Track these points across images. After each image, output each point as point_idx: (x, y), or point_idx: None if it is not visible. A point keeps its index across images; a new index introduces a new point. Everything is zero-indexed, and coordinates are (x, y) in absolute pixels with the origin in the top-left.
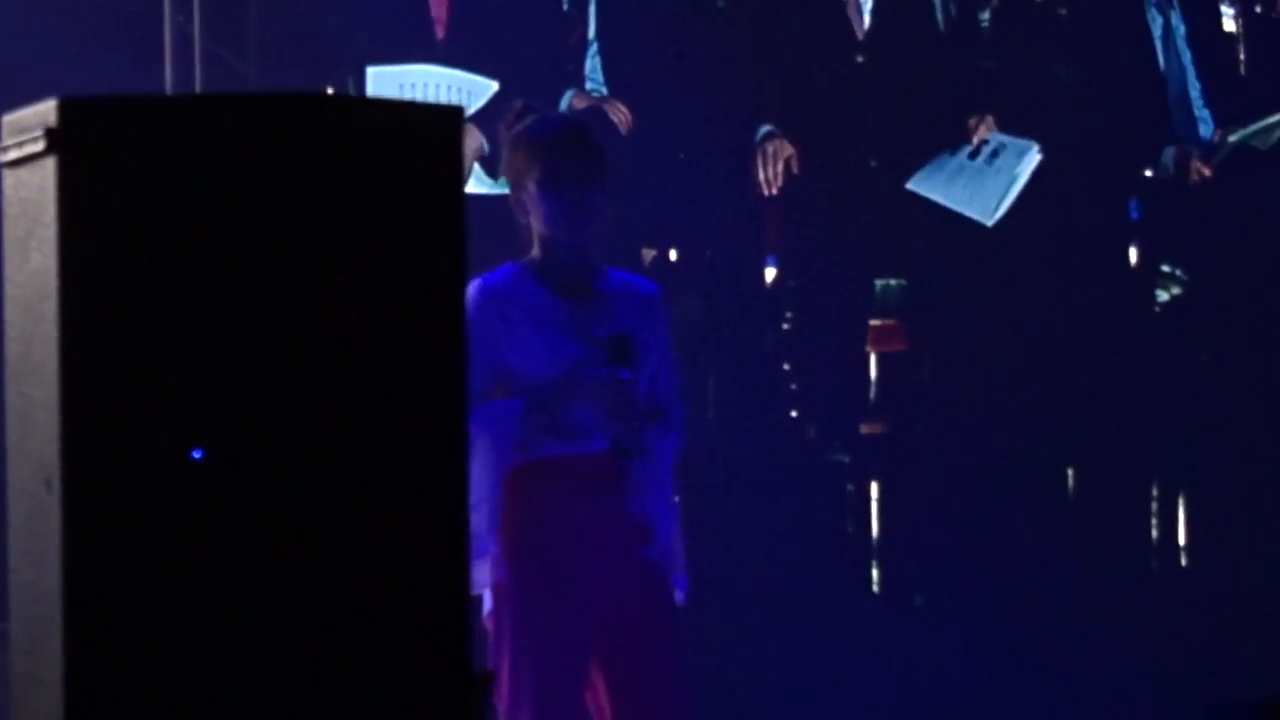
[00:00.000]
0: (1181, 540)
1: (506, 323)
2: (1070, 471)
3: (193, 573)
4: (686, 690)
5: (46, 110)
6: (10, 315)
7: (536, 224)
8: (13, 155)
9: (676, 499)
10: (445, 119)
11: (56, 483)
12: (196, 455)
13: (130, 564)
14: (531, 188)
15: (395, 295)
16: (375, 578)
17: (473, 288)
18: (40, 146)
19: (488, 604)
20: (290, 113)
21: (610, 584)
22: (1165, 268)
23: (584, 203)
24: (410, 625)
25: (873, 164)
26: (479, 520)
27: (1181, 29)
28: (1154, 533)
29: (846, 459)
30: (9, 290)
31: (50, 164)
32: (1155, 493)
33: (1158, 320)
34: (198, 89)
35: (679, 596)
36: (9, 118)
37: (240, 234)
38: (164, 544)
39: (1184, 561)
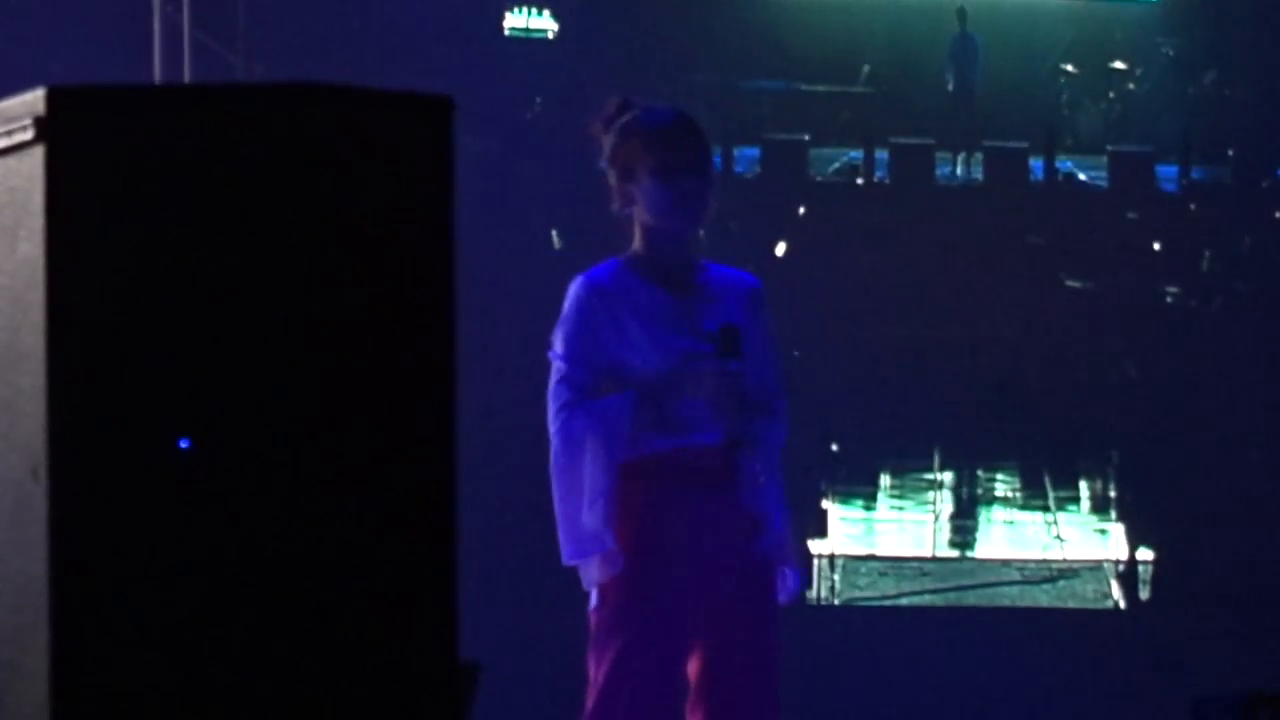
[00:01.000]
0: None
1: (615, 318)
2: None
3: (179, 562)
4: (777, 688)
5: (34, 99)
6: None
7: (644, 215)
8: (1, 144)
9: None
10: (436, 107)
11: (43, 472)
12: (183, 444)
13: (117, 553)
14: (644, 178)
15: (384, 285)
16: (362, 568)
17: (578, 285)
18: (29, 135)
19: (593, 601)
20: (279, 102)
21: (721, 578)
22: None
23: (697, 192)
24: (397, 616)
25: None
26: (592, 518)
27: None
28: None
29: None
30: None
31: (38, 153)
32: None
33: None
34: (186, 79)
35: (793, 586)
36: None
37: (228, 224)
38: (150, 533)
39: None
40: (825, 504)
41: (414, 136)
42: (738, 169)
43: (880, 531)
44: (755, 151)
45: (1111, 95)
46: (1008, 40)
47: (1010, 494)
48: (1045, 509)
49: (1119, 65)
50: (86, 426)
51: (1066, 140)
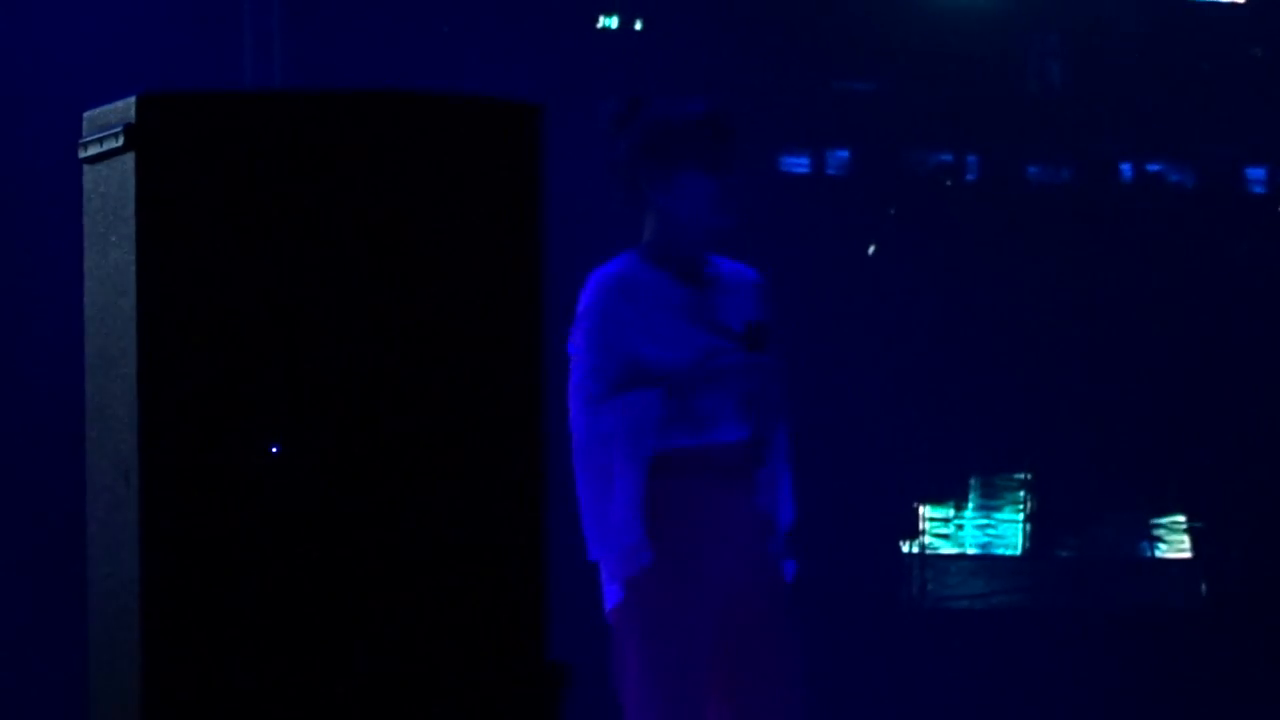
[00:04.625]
0: None
1: (639, 313)
2: None
3: (269, 566)
4: (799, 688)
5: (125, 107)
6: (89, 310)
7: (672, 208)
8: (93, 151)
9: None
10: (525, 115)
11: (134, 476)
12: (274, 449)
13: (207, 557)
14: (684, 171)
15: (471, 291)
16: (451, 572)
17: (600, 280)
18: (119, 143)
19: (615, 598)
20: (368, 109)
21: (737, 578)
22: None
23: (734, 188)
24: (486, 619)
25: None
26: (620, 511)
27: None
28: None
29: None
30: (88, 285)
31: (129, 160)
32: None
33: None
34: (277, 84)
35: (789, 578)
36: (90, 114)
37: (317, 230)
38: (241, 537)
39: None
40: (915, 504)
41: (503, 143)
42: (829, 171)
43: (971, 531)
44: (845, 153)
45: (1199, 96)
46: (1090, 40)
47: (1098, 493)
48: (1135, 509)
49: (1206, 66)
50: (177, 431)
51: (1154, 143)
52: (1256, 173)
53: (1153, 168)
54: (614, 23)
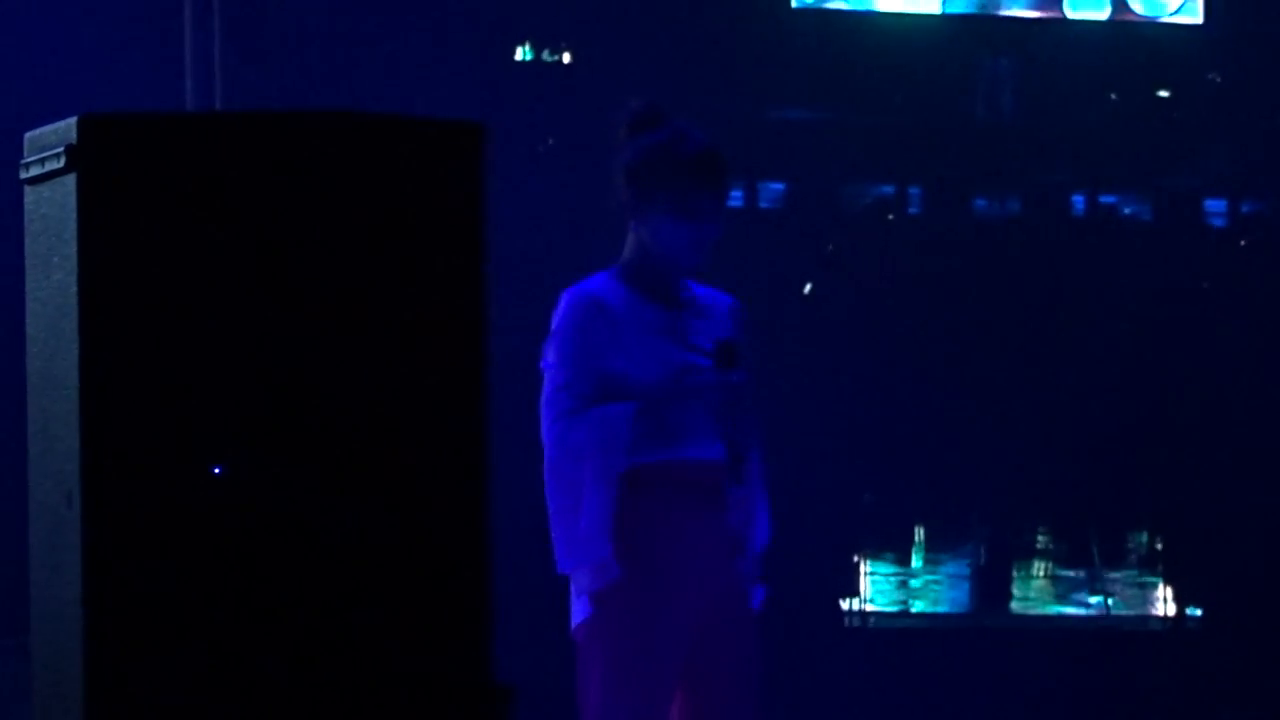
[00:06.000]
0: None
1: (612, 330)
2: None
3: (211, 586)
4: (755, 706)
5: (67, 127)
6: (32, 330)
7: (650, 239)
8: (34, 172)
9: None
10: (466, 133)
11: (77, 497)
12: (216, 470)
13: (150, 578)
14: (662, 210)
15: (416, 309)
16: (394, 591)
17: (574, 297)
18: (61, 163)
19: (583, 613)
20: (309, 129)
21: (705, 595)
22: None
23: (711, 236)
24: (430, 638)
25: None
26: (589, 525)
27: None
28: None
29: None
30: (31, 306)
31: (71, 181)
32: None
33: None
34: (217, 106)
35: (758, 602)
36: (30, 135)
37: (259, 250)
38: (183, 558)
39: None
40: (856, 558)
41: (446, 162)
42: (762, 204)
43: (915, 588)
44: (780, 186)
45: (1156, 125)
46: (1042, 66)
47: (1051, 548)
48: (1089, 564)
49: (1163, 94)
50: (120, 452)
51: (1108, 173)
52: (1216, 204)
53: (1106, 200)
54: (532, 54)
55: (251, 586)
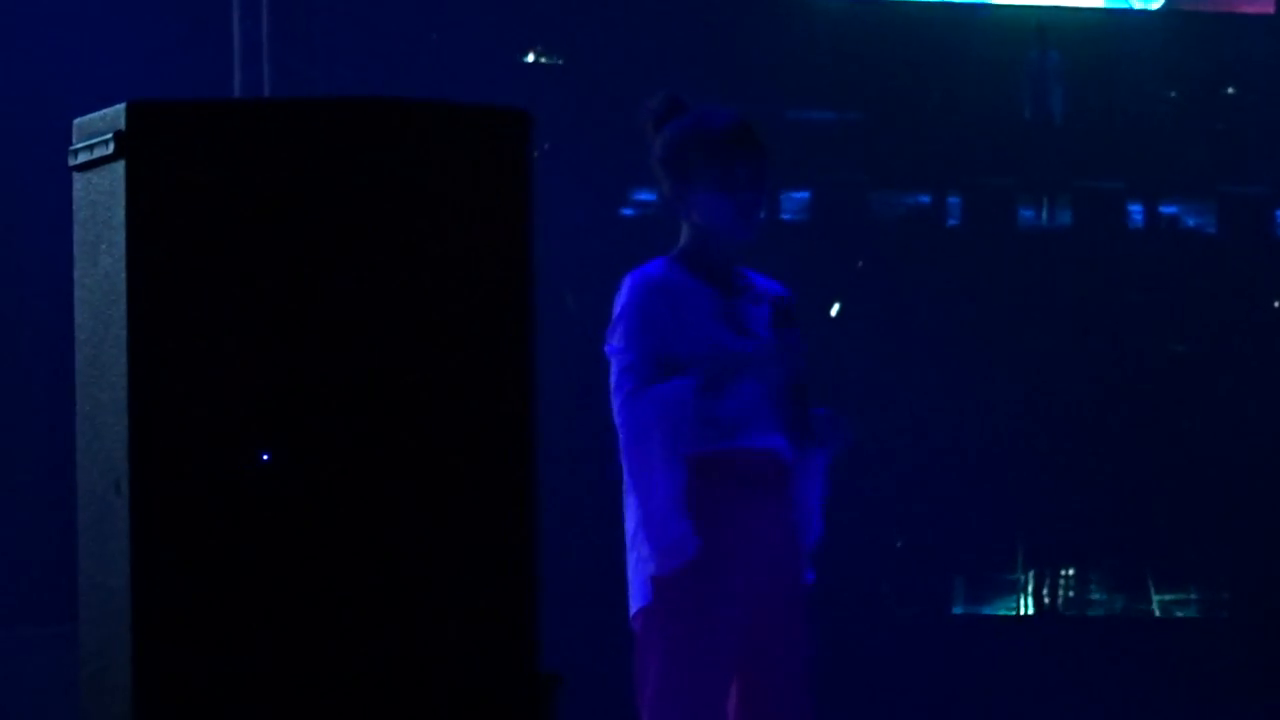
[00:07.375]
0: None
1: (674, 314)
2: None
3: (260, 573)
4: (809, 696)
5: (115, 114)
6: (80, 318)
7: (699, 219)
8: (83, 159)
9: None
10: (513, 121)
11: (125, 485)
12: (265, 457)
13: (198, 565)
14: (703, 188)
15: (464, 296)
16: (441, 579)
17: (636, 281)
18: (109, 150)
19: (642, 599)
20: (356, 116)
21: (761, 585)
22: None
23: (755, 204)
24: (477, 627)
25: None
26: (657, 505)
27: None
28: None
29: None
30: (78, 293)
31: (119, 168)
32: None
33: None
34: (266, 93)
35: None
36: (79, 121)
37: (308, 236)
38: (232, 545)
39: None
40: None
41: (494, 149)
42: (784, 215)
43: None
44: (805, 195)
45: (1221, 126)
46: (1095, 61)
47: (1107, 595)
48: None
49: (1230, 91)
50: (168, 439)
51: (1168, 180)
52: None
53: (1166, 209)
54: (544, 57)
55: (298, 574)
